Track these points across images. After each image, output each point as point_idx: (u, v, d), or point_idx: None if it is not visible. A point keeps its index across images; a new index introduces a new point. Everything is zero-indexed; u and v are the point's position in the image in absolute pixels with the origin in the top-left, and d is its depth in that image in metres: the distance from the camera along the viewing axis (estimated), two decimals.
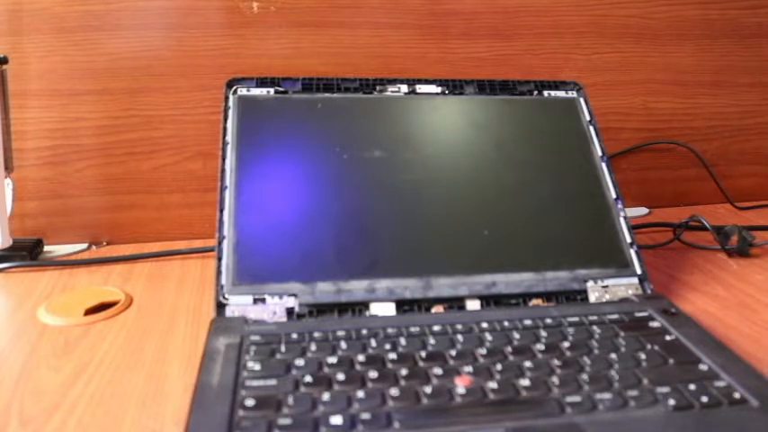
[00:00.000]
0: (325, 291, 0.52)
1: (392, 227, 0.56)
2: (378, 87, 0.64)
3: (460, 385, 0.41)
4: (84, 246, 0.76)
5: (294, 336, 0.47)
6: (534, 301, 0.54)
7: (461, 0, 0.80)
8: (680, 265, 0.68)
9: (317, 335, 0.47)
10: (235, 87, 0.62)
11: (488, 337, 0.47)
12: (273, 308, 0.51)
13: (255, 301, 0.51)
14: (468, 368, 0.43)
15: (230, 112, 0.60)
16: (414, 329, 0.48)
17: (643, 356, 0.45)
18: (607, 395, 0.40)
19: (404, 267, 0.54)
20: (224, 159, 0.57)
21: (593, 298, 0.55)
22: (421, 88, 0.65)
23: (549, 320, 0.50)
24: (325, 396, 0.39)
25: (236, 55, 0.76)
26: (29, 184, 0.74)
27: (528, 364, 0.44)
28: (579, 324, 0.50)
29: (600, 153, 0.63)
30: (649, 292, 0.56)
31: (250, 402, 0.39)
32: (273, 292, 0.51)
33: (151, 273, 0.67)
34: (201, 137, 0.77)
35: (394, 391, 0.40)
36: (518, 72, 0.83)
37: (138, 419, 0.42)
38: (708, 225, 0.71)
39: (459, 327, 0.49)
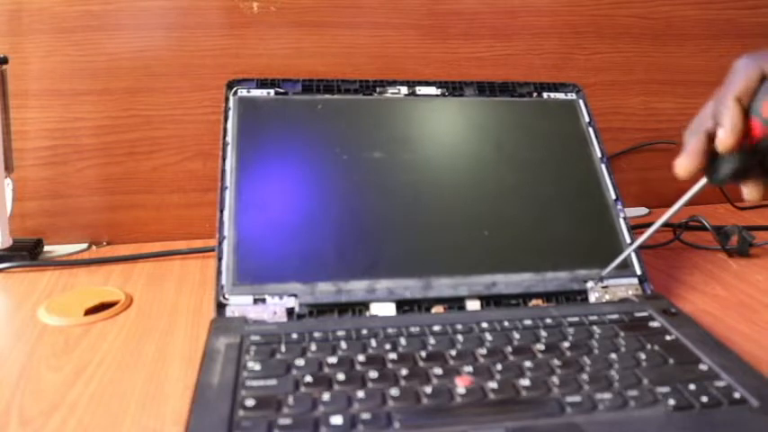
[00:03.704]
0: (325, 291, 0.52)
1: (392, 227, 0.56)
2: (378, 89, 0.64)
3: (461, 385, 0.41)
4: (84, 246, 0.76)
5: (294, 336, 0.47)
6: (534, 302, 0.54)
7: (461, 0, 0.80)
8: (680, 265, 0.68)
9: (317, 335, 0.47)
10: (235, 88, 0.62)
11: (488, 337, 0.47)
12: (273, 308, 0.51)
13: (255, 301, 0.51)
14: (469, 368, 0.43)
15: (230, 113, 0.60)
16: (414, 329, 0.48)
17: (643, 356, 0.45)
18: (607, 395, 0.40)
19: (404, 267, 0.54)
20: (224, 160, 0.58)
21: (593, 298, 0.55)
22: (421, 90, 0.65)
23: (549, 320, 0.50)
24: (326, 396, 0.39)
25: (236, 55, 0.76)
26: (29, 184, 0.74)
27: (528, 364, 0.44)
28: (579, 324, 0.50)
29: (599, 154, 0.63)
30: (649, 292, 0.56)
31: (250, 402, 0.39)
32: (273, 293, 0.51)
33: (151, 273, 0.67)
34: (201, 137, 0.77)
35: (394, 391, 0.40)
36: (518, 72, 0.83)
37: (138, 419, 0.42)
38: (708, 225, 0.71)
39: (459, 327, 0.49)
